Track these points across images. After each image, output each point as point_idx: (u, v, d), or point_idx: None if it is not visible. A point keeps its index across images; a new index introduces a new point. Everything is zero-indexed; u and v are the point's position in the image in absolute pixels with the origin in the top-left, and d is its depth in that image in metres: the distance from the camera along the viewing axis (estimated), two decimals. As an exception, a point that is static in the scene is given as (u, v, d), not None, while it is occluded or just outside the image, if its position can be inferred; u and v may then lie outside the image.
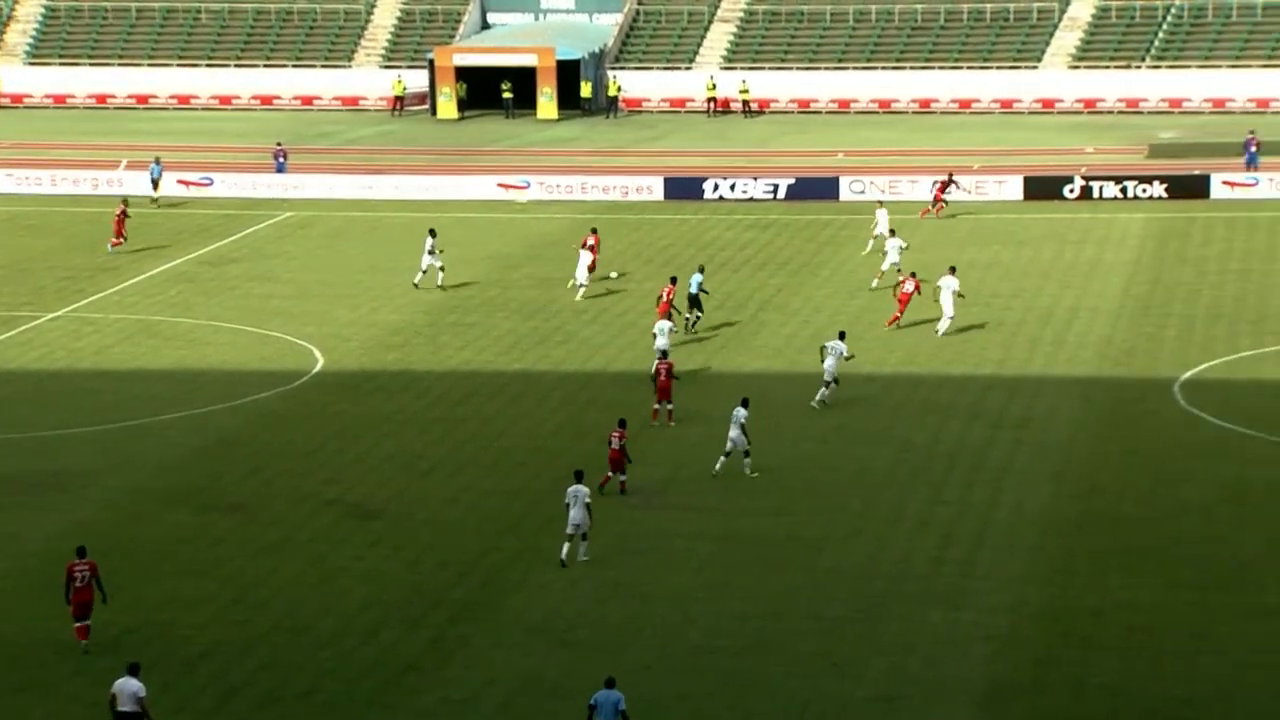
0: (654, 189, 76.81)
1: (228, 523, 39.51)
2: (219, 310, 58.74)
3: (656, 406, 45.45)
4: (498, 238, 69.78)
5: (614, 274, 60.29)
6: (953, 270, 53.98)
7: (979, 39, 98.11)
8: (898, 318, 53.46)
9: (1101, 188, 72.74)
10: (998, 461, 42.62)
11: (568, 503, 36.83)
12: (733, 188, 76.09)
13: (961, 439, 44.27)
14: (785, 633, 33.60)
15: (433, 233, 61.40)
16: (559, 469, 43.00)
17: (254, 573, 36.64)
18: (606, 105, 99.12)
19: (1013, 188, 73.64)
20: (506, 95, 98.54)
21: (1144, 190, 72.45)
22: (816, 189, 75.39)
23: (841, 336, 47.77)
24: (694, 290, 53.89)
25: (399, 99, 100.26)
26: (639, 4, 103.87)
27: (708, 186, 76.29)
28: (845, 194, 74.87)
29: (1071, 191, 72.90)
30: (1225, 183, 71.96)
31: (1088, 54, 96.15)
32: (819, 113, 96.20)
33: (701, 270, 55.68)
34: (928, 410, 46.45)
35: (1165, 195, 71.93)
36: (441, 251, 60.43)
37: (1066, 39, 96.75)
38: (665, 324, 49.81)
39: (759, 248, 66.66)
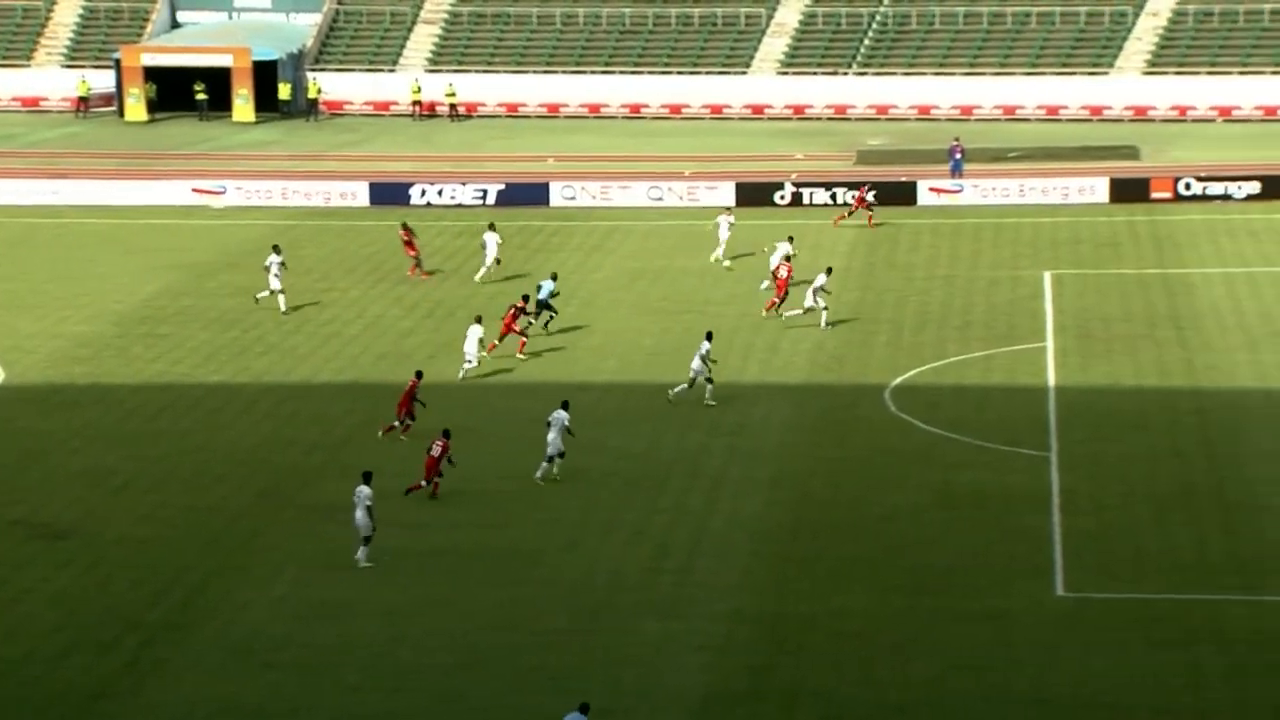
0: (359, 195, 76.24)
1: (-97, 547, 38.09)
2: (-109, 322, 56.61)
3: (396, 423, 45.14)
4: (193, 245, 68.53)
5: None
6: (829, 271, 56.52)
7: (688, 44, 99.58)
8: (775, 303, 55.97)
9: (812, 194, 74.43)
10: (713, 469, 43.32)
11: (354, 502, 36.91)
12: (440, 193, 75.94)
13: (678, 447, 44.88)
14: (499, 648, 33.66)
15: (277, 249, 58.74)
16: (260, 483, 42.40)
17: (-68, 600, 35.39)
18: (306, 108, 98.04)
19: (725, 194, 74.92)
20: (200, 97, 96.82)
21: (853, 196, 74.27)
22: (527, 194, 75.69)
23: (709, 337, 48.50)
24: (543, 297, 54.59)
25: (83, 100, 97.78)
26: (339, 4, 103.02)
27: (414, 192, 76.01)
28: (556, 199, 75.32)
29: (783, 198, 74.44)
30: (932, 189, 74.24)
31: (796, 60, 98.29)
32: (528, 117, 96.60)
33: (554, 278, 55.86)
34: (643, 418, 46.98)
35: (874, 201, 73.80)
36: (284, 267, 58.05)
37: (774, 45, 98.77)
38: (477, 329, 50.27)
39: (468, 255, 66.60)
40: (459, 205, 75.41)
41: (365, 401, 48.60)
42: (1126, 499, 40.74)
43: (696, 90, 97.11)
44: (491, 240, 62.30)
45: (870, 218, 69.17)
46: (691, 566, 37.55)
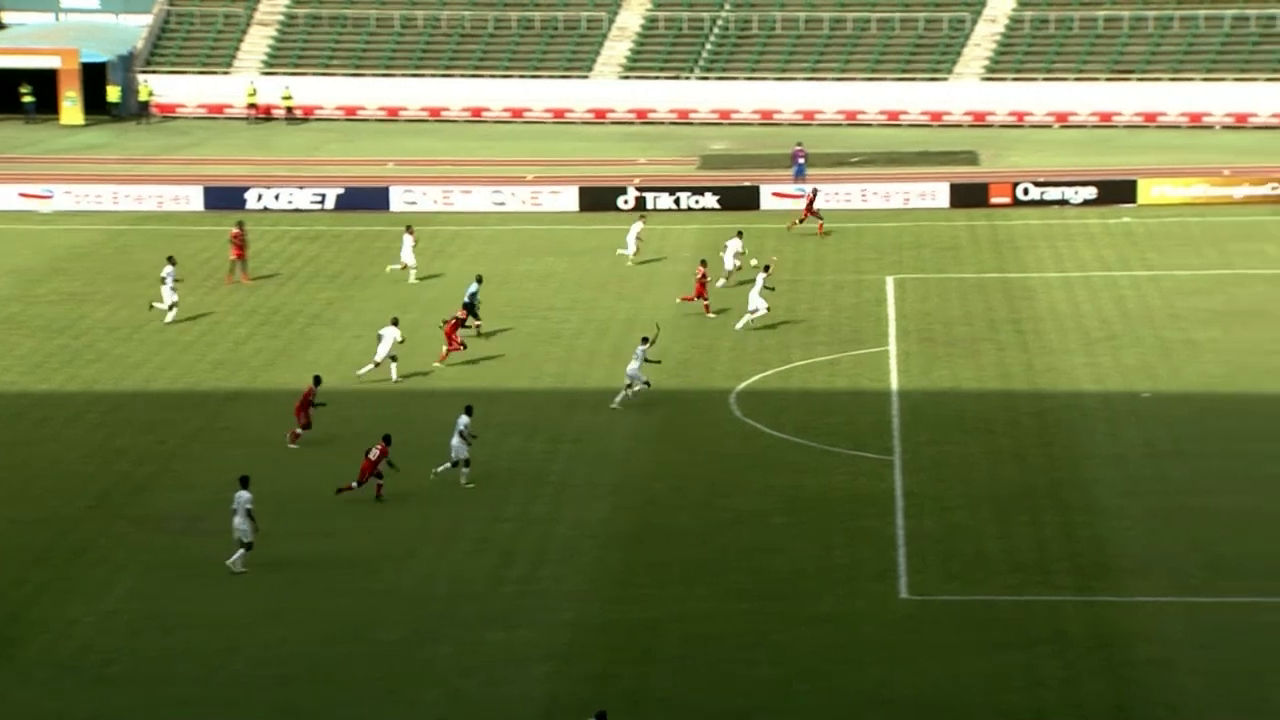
0: (192, 199, 75.25)
1: None
2: None
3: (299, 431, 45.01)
4: (19, 250, 67.25)
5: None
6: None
7: (529, 47, 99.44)
8: (692, 299, 56.75)
9: (655, 199, 74.66)
10: (557, 476, 43.27)
11: (234, 509, 36.71)
12: (277, 198, 75.18)
13: (521, 453, 44.78)
14: (336, 659, 33.35)
15: (171, 260, 57.94)
16: (90, 494, 41.68)
17: None
18: (137, 110, 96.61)
19: (568, 198, 74.93)
20: (27, 99, 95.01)
21: (696, 201, 74.69)
22: (366, 199, 75.15)
23: (646, 340, 48.85)
24: (467, 300, 54.74)
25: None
26: (169, 5, 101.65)
27: (250, 196, 75.15)
28: (397, 204, 74.85)
29: (626, 203, 74.60)
30: (775, 194, 74.77)
31: (638, 64, 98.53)
32: (367, 120, 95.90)
33: (479, 280, 55.75)
34: (486, 425, 46.81)
35: (718, 206, 74.31)
36: (179, 281, 57.35)
37: (617, 49, 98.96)
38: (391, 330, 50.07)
39: (307, 260, 66.02)
40: (296, 210, 74.70)
41: (200, 410, 47.97)
42: (969, 501, 41.29)
43: (538, 94, 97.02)
44: (408, 242, 62.32)
45: (820, 225, 68.26)
46: (536, 574, 37.47)
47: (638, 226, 65.07)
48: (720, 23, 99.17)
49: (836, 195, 74.25)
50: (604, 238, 69.00)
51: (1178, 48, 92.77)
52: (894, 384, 50.29)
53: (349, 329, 56.67)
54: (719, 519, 40.65)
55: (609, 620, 35.27)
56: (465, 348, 51.89)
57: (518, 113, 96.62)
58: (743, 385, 50.45)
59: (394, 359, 50.28)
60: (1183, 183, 73.54)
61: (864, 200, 74.21)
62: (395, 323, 50.97)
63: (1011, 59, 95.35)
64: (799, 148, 78.42)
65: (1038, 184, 73.86)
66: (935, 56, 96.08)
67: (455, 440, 42.02)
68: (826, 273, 63.46)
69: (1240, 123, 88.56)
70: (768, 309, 55.20)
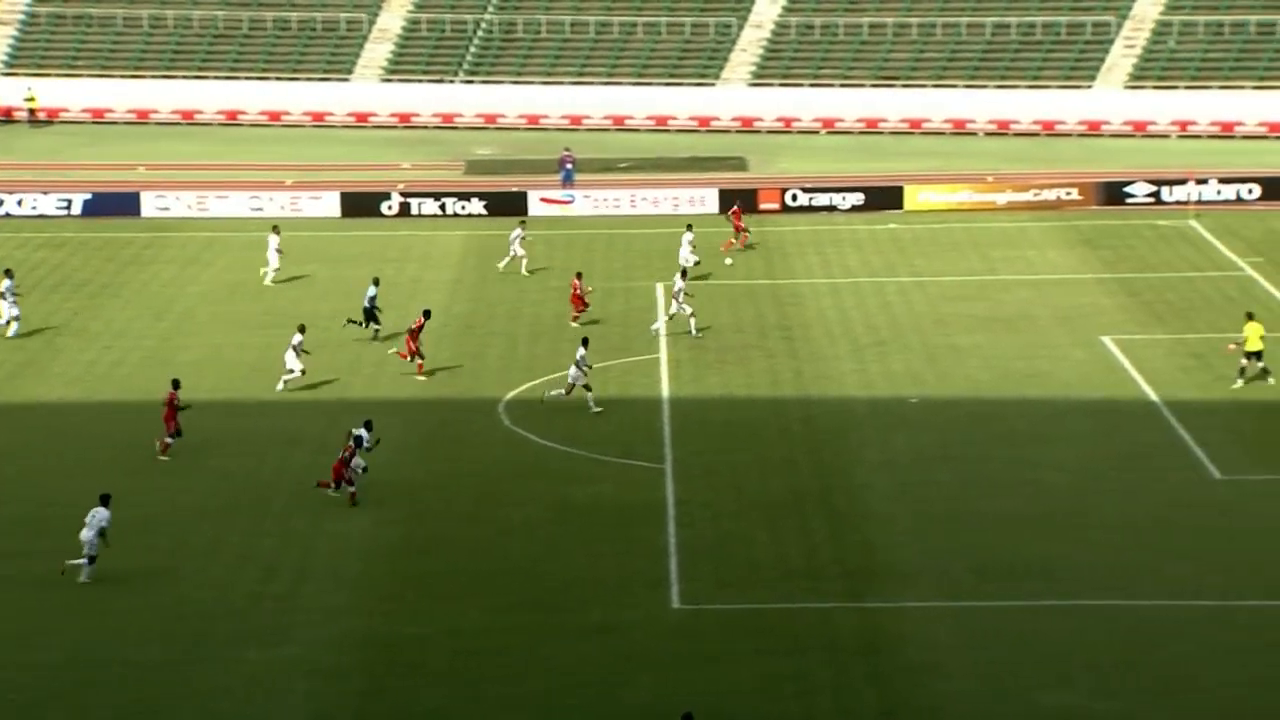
0: (-70, 204, 73.18)
1: None
2: None
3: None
4: None
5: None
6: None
7: (286, 49, 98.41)
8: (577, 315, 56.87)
9: (420, 204, 74.37)
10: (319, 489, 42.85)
11: (87, 522, 36.99)
12: (20, 203, 73.41)
13: (281, 467, 44.29)
14: (85, 683, 32.69)
15: (9, 273, 56.44)
16: None
17: None
18: None
19: (329, 204, 74.30)
20: None
21: (463, 207, 74.57)
22: (115, 205, 73.73)
23: (585, 343, 48.93)
24: (365, 304, 54.89)
25: None
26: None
27: (-8, 202, 73.35)
28: (149, 210, 73.56)
29: (390, 208, 74.20)
30: (543, 199, 74.93)
31: (400, 67, 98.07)
32: (115, 123, 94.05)
33: (376, 283, 55.69)
34: (245, 438, 46.23)
35: (484, 212, 74.26)
36: (18, 297, 55.84)
37: (377, 51, 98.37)
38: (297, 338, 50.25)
39: (52, 268, 64.60)
40: (41, 216, 73.04)
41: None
42: (740, 509, 41.78)
43: (296, 97, 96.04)
44: (273, 243, 61.94)
45: (744, 237, 66.89)
46: (298, 591, 37.09)
47: (518, 234, 64.39)
48: (484, 25, 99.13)
49: (605, 201, 74.65)
50: (367, 244, 68.56)
51: (941, 54, 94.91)
52: (665, 391, 50.71)
53: (99, 339, 55.57)
54: (488, 530, 40.63)
55: (375, 635, 35.05)
56: (422, 357, 51.64)
57: (275, 116, 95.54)
58: (512, 394, 50.48)
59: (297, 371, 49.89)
60: (948, 189, 75.25)
61: (633, 206, 74.71)
62: (302, 329, 50.98)
63: (778, 65, 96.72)
64: (567, 153, 78.69)
65: (806, 190, 75.01)
66: (702, 62, 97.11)
67: (357, 460, 41.67)
68: (596, 279, 63.71)
69: (1002, 129, 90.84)
70: (692, 314, 55.24)
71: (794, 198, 74.65)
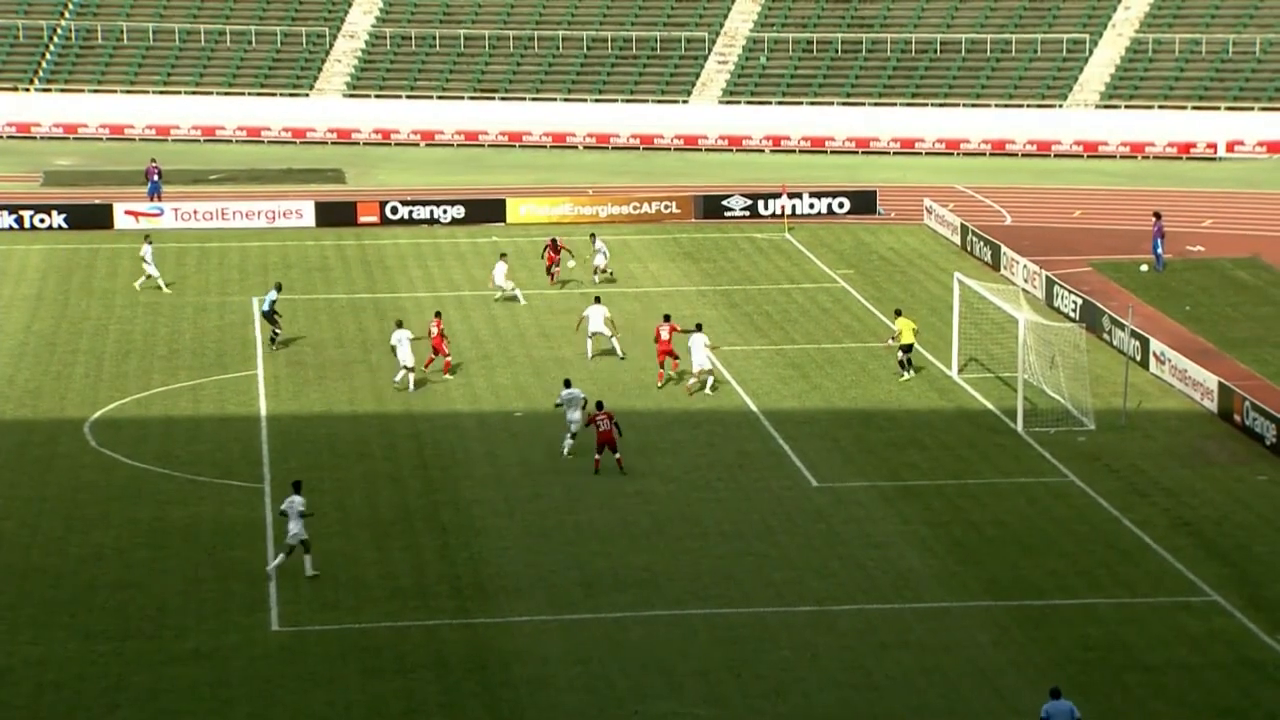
0: None
1: None
2: None
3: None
4: None
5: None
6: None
7: None
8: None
9: (-3, 217, 71.85)
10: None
11: (284, 510, 37.81)
12: None
13: None
14: None
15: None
16: None
17: None
18: None
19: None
20: None
21: (42, 220, 72.28)
22: None
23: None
24: (265, 308, 54.70)
25: None
26: None
27: None
28: None
29: (-41, 220, 71.45)
30: (129, 212, 73.02)
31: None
32: None
33: (278, 288, 55.76)
34: None
35: (65, 226, 72.08)
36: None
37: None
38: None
39: None
40: None
41: None
42: (344, 527, 41.31)
43: None
44: (148, 251, 61.26)
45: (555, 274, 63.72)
46: None
47: (502, 268, 61.53)
48: (61, 31, 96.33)
49: (196, 214, 73.23)
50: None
51: (538, 68, 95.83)
52: (263, 409, 49.90)
53: None
54: (77, 555, 39.36)
55: (-46, 670, 33.59)
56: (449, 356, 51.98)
57: None
58: (99, 413, 49.04)
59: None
60: (549, 202, 75.95)
61: (225, 219, 73.39)
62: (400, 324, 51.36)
63: (374, 76, 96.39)
64: (153, 164, 77.00)
65: (405, 203, 74.78)
66: (295, 71, 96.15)
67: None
68: (188, 294, 62.44)
69: (602, 143, 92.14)
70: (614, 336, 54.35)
71: (394, 210, 74.35)
